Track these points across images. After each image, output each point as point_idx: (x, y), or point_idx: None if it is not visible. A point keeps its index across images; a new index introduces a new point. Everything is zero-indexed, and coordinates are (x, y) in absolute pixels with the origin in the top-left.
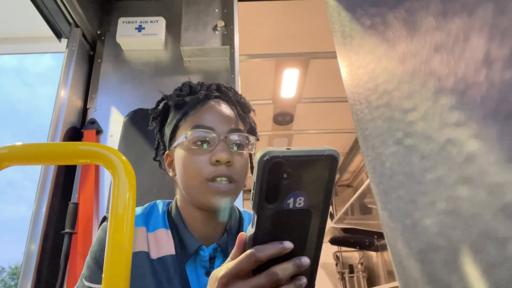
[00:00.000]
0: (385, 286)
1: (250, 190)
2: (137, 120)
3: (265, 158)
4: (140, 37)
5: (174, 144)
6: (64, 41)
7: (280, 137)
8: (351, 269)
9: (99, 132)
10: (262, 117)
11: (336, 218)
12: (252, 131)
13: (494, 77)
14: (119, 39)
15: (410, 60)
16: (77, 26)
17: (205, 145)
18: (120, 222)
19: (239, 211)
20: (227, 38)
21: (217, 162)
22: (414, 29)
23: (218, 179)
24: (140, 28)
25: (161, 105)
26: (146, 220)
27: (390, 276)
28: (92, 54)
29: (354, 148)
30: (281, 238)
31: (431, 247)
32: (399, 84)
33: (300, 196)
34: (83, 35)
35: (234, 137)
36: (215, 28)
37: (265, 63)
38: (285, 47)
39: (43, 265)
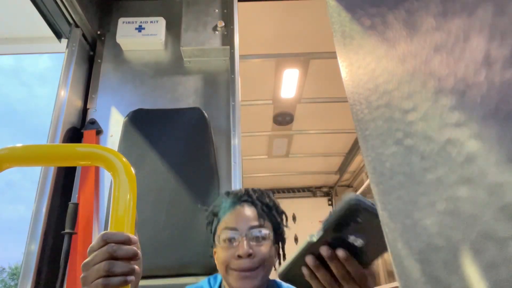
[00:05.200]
0: (385, 286)
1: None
2: (137, 120)
3: (351, 202)
4: (140, 37)
5: (215, 243)
6: (64, 41)
7: (280, 137)
8: None
9: (99, 132)
10: (262, 117)
11: None
12: (277, 225)
13: (494, 77)
14: (119, 39)
15: (410, 60)
16: (77, 26)
17: (233, 242)
18: (120, 223)
19: (277, 284)
20: (227, 38)
21: (239, 256)
22: (414, 30)
23: (242, 273)
24: (140, 28)
25: (210, 211)
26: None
27: (390, 276)
28: (92, 54)
29: (354, 148)
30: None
31: (431, 247)
32: (399, 84)
33: (361, 239)
34: (83, 35)
35: (254, 232)
36: (215, 28)
37: (265, 63)
38: (285, 47)
39: (43, 265)
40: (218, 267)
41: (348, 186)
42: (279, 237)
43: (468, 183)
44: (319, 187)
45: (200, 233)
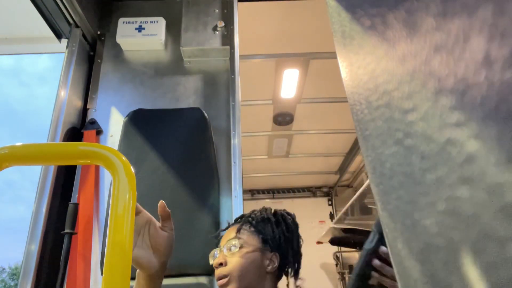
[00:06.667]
0: None
1: (250, 190)
2: (137, 120)
3: None
4: (140, 38)
5: None
6: (64, 41)
7: (280, 137)
8: (351, 269)
9: (99, 132)
10: (262, 117)
11: (336, 218)
12: (269, 235)
13: (493, 77)
14: (119, 39)
15: (410, 61)
16: (77, 26)
17: (215, 257)
18: (120, 223)
19: None
20: (227, 39)
21: (216, 267)
22: (414, 30)
23: (219, 281)
24: (140, 29)
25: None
26: None
27: None
28: (92, 54)
29: (354, 149)
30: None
31: (431, 247)
32: (399, 84)
33: None
34: (83, 35)
35: (227, 244)
36: (215, 28)
37: (265, 63)
38: (285, 47)
39: (43, 265)
40: None
41: (348, 186)
42: (274, 245)
43: (468, 183)
44: (319, 187)
45: (200, 233)
